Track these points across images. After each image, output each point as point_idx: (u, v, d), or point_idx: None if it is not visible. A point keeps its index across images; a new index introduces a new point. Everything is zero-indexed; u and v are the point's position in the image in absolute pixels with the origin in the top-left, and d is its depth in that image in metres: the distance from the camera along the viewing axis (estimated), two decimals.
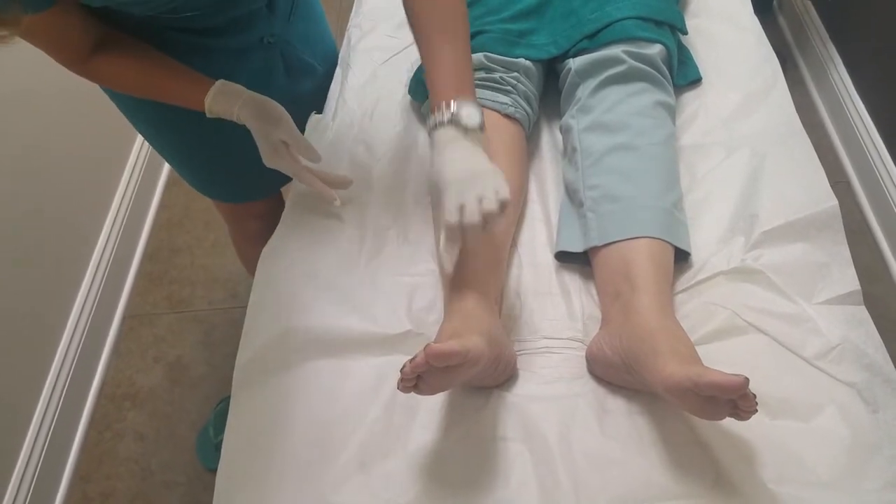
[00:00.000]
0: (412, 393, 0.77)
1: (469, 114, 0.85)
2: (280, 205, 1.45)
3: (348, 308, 0.98)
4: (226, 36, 1.05)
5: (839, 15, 2.00)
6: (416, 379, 0.76)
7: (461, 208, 0.80)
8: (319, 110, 1.26)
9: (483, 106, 1.05)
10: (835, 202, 0.96)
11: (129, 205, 2.03)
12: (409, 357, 0.92)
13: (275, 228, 1.45)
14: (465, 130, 0.85)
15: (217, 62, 1.04)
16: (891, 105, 1.78)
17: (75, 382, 1.71)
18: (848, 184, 1.90)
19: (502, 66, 1.10)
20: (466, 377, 0.80)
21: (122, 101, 1.14)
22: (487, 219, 0.80)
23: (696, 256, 0.98)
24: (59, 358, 1.68)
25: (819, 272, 0.93)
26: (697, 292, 0.95)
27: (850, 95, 1.93)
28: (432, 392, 0.79)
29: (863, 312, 0.91)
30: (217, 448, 1.63)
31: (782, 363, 0.87)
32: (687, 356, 0.79)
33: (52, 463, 1.61)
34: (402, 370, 0.76)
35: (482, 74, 1.09)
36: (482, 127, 0.86)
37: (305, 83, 1.23)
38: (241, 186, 1.30)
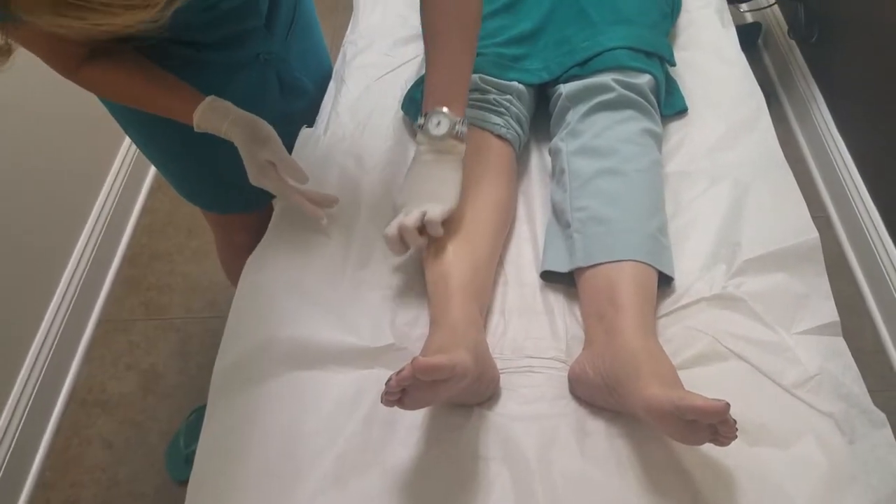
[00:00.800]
0: (395, 407, 0.77)
1: (437, 122, 0.94)
2: (269, 218, 1.44)
3: (331, 319, 0.97)
4: (222, 51, 1.05)
5: (821, 55, 2.05)
6: (401, 393, 0.76)
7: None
8: (310, 126, 1.26)
9: (476, 126, 1.08)
10: (816, 234, 0.98)
11: (112, 207, 2.01)
12: (392, 371, 0.93)
13: None
14: (431, 138, 0.94)
15: (212, 76, 1.04)
16: (870, 143, 1.82)
17: (45, 385, 1.68)
18: (827, 218, 1.94)
19: (496, 89, 1.11)
20: (451, 393, 0.80)
21: (114, 107, 1.14)
22: (428, 227, 0.92)
23: (680, 282, 0.98)
24: (31, 359, 1.65)
25: (799, 302, 0.94)
26: (680, 317, 0.96)
27: (830, 133, 1.97)
28: (416, 407, 0.79)
29: (841, 343, 0.92)
30: (187, 460, 1.61)
31: (761, 391, 0.88)
32: (668, 379, 0.79)
33: (15, 467, 1.57)
34: (387, 383, 0.75)
35: (476, 95, 1.11)
36: (454, 136, 0.94)
37: (298, 102, 1.24)
38: (231, 197, 1.30)
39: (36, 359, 1.66)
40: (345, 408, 0.90)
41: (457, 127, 0.94)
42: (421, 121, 0.95)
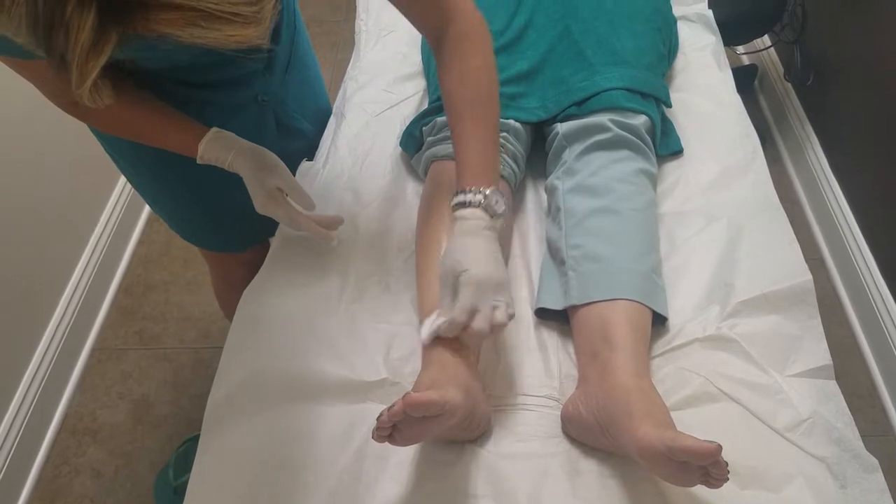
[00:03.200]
0: (386, 443, 0.77)
1: (498, 201, 0.89)
2: (266, 254, 1.45)
3: (326, 353, 0.97)
4: (221, 91, 1.06)
5: (817, 98, 2.08)
6: (392, 428, 0.76)
7: (473, 312, 0.83)
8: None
9: None
10: (809, 277, 0.98)
11: (109, 237, 2.02)
12: (384, 405, 0.92)
13: None
14: (493, 216, 0.88)
15: (210, 116, 1.04)
16: (864, 185, 1.84)
17: (37, 412, 1.67)
18: (821, 260, 1.95)
19: None
20: (442, 429, 0.80)
21: (109, 144, 1.14)
22: (494, 329, 0.84)
23: (673, 321, 0.99)
24: (24, 386, 1.64)
25: (792, 345, 0.95)
26: (673, 357, 0.96)
27: (825, 175, 1.99)
28: (406, 443, 0.79)
29: (833, 387, 0.92)
30: (176, 491, 1.59)
31: (753, 433, 0.88)
32: (661, 420, 0.79)
33: (4, 496, 1.55)
34: (378, 419, 0.75)
35: None
36: (504, 215, 0.90)
37: (296, 142, 1.24)
38: (229, 236, 1.30)
39: (29, 386, 1.65)
40: (337, 442, 0.90)
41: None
42: (469, 196, 0.88)
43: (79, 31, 0.56)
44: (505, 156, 1.12)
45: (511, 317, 0.85)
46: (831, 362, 0.93)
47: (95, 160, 1.16)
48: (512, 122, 1.14)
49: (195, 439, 1.65)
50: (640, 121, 1.12)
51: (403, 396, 0.74)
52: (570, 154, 1.11)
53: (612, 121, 1.10)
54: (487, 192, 0.88)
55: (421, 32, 0.99)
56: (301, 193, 1.01)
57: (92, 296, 1.92)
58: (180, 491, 1.59)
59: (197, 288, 2.02)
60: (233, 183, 1.01)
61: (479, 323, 0.83)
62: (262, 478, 0.88)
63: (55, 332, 1.76)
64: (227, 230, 1.28)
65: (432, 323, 0.87)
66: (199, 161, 0.99)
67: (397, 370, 0.97)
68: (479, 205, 0.88)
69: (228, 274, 1.42)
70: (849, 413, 0.90)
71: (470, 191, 0.89)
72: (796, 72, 2.01)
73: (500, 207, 0.89)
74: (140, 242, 2.17)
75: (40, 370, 1.69)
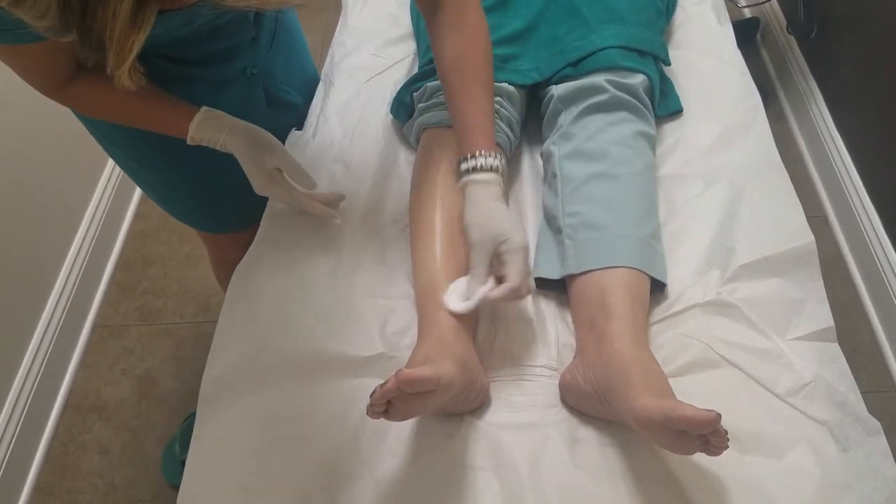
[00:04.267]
0: (382, 419, 0.76)
1: (504, 164, 0.91)
2: None
3: (321, 329, 0.96)
4: (209, 66, 1.03)
5: (820, 51, 2.03)
6: (386, 405, 0.75)
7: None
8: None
9: None
10: (811, 238, 0.96)
11: (104, 212, 2.00)
12: (382, 380, 0.92)
13: None
14: (505, 175, 0.91)
15: (199, 92, 1.02)
16: (868, 141, 1.80)
17: (41, 391, 1.67)
18: (825, 218, 1.92)
19: None
20: (438, 404, 0.79)
21: (95, 128, 1.11)
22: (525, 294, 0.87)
23: (673, 288, 0.97)
24: (26, 365, 1.64)
25: (793, 308, 0.93)
26: (672, 324, 0.94)
27: (829, 131, 1.95)
28: (402, 418, 0.78)
29: (836, 349, 0.91)
30: (183, 465, 1.59)
31: (754, 399, 0.87)
32: (659, 389, 0.78)
33: (13, 474, 1.57)
34: (371, 395, 0.74)
35: None
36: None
37: (286, 115, 1.22)
38: (224, 216, 1.28)
39: (31, 365, 1.65)
40: (334, 418, 0.89)
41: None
42: (489, 160, 0.89)
43: (117, 6, 0.53)
44: (499, 121, 1.09)
45: (532, 291, 0.89)
46: (833, 325, 0.92)
47: (86, 135, 1.13)
48: (505, 85, 1.11)
49: None
50: (637, 80, 1.09)
51: (396, 373, 0.73)
52: (565, 118, 1.08)
53: (609, 81, 1.06)
54: (497, 154, 0.89)
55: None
56: (301, 172, 0.99)
57: (90, 272, 1.91)
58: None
59: (195, 262, 2.01)
60: (226, 163, 0.99)
61: (525, 288, 0.86)
62: (259, 456, 0.87)
63: (55, 309, 1.75)
64: (223, 211, 1.26)
65: (467, 291, 0.88)
66: (189, 142, 0.96)
67: (394, 344, 0.95)
68: (497, 169, 0.89)
69: (225, 254, 1.40)
70: (851, 376, 0.88)
71: (484, 154, 0.89)
72: (799, 24, 1.96)
73: (505, 171, 0.92)
74: (136, 217, 2.15)
75: (41, 349, 1.69)
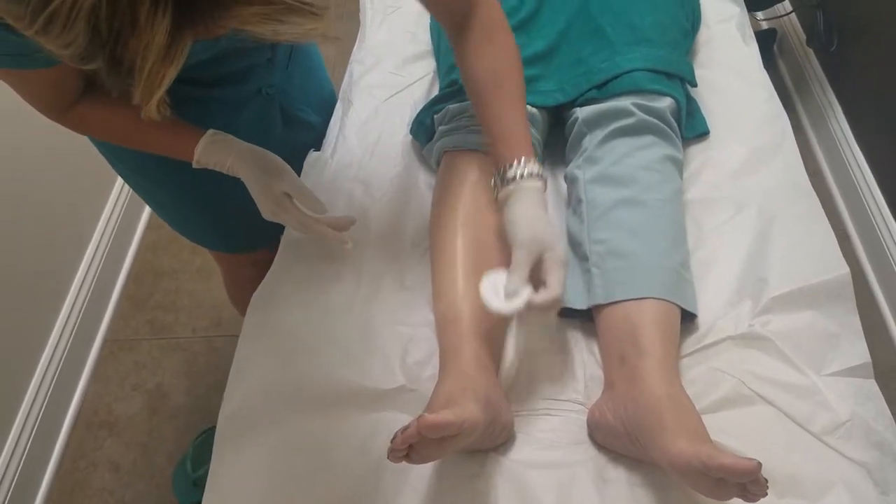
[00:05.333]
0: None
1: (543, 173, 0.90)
2: (276, 250, 1.41)
3: (340, 359, 0.94)
4: (224, 87, 1.01)
5: (839, 63, 2.00)
6: (408, 449, 0.73)
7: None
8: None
9: (486, 153, 1.03)
10: (847, 270, 0.94)
11: (116, 224, 1.98)
12: (403, 414, 0.90)
13: None
14: (545, 184, 0.89)
15: (214, 113, 1.00)
16: (889, 155, 1.77)
17: (52, 407, 1.66)
18: (845, 232, 1.89)
19: None
20: (461, 447, 0.77)
21: (104, 148, 1.09)
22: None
23: (703, 318, 0.95)
24: (37, 380, 1.63)
25: (828, 342, 0.90)
26: (704, 357, 0.92)
27: (848, 144, 1.92)
28: (424, 462, 0.76)
29: (872, 386, 0.88)
30: (195, 483, 1.58)
31: (790, 438, 0.84)
32: (695, 432, 0.76)
33: (23, 491, 1.55)
34: (392, 440, 0.72)
35: None
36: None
37: (303, 134, 1.19)
38: (237, 236, 1.25)
39: (42, 380, 1.64)
40: (355, 453, 0.87)
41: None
42: (532, 167, 0.87)
43: (152, 36, 0.51)
44: None
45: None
46: (870, 360, 0.89)
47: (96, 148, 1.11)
48: (528, 108, 1.08)
49: (212, 430, 1.64)
50: (664, 104, 1.06)
51: (418, 418, 0.71)
52: (590, 141, 1.06)
53: (636, 105, 1.04)
54: (536, 162, 0.88)
55: (442, 19, 0.94)
56: (310, 197, 0.96)
57: (101, 285, 1.89)
58: (199, 483, 1.59)
59: (207, 275, 1.99)
60: (236, 184, 0.96)
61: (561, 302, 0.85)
62: (277, 491, 0.85)
63: (66, 324, 1.74)
64: (234, 231, 1.23)
65: (510, 288, 0.84)
66: (195, 165, 0.94)
67: (415, 376, 0.93)
68: (541, 176, 0.88)
69: (238, 273, 1.38)
70: (889, 414, 0.86)
71: (528, 162, 0.88)
72: (819, 37, 1.93)
73: (544, 178, 0.91)
74: (148, 227, 2.13)
75: (52, 364, 1.67)
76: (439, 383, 0.84)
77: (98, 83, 0.89)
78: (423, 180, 1.16)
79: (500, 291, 0.85)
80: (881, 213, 1.76)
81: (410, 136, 1.21)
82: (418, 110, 1.24)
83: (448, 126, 1.08)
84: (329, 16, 0.60)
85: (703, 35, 1.30)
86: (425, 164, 1.18)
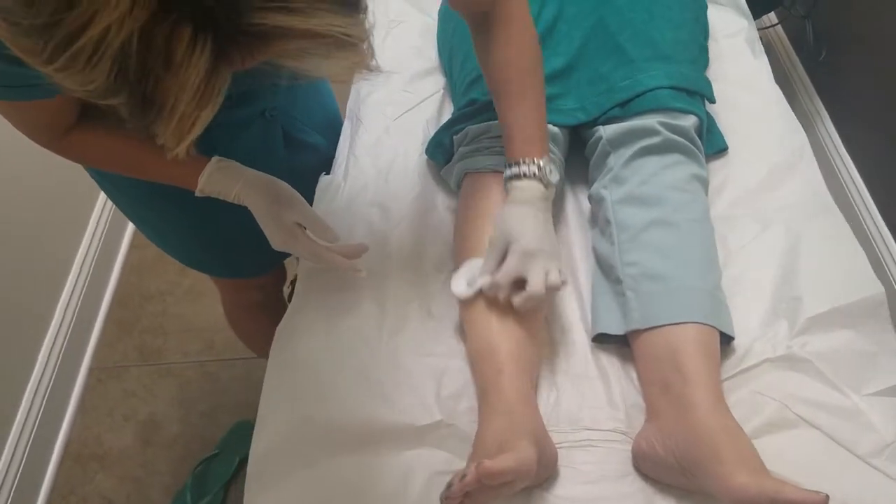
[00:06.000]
0: None
1: (552, 171, 0.92)
2: (282, 272, 1.36)
3: (372, 394, 0.90)
4: (227, 109, 0.95)
5: (827, 72, 2.02)
6: (463, 496, 0.70)
7: (517, 279, 0.86)
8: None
9: None
10: (881, 289, 0.93)
11: (98, 244, 1.91)
12: (440, 450, 0.87)
13: (275, 298, 1.37)
14: (547, 186, 0.91)
15: (215, 137, 0.92)
16: (878, 161, 1.79)
17: (39, 440, 1.58)
18: None
19: None
20: (516, 490, 0.75)
21: (101, 175, 1.04)
22: (549, 291, 0.86)
23: (739, 340, 0.93)
24: (23, 413, 1.56)
25: (867, 362, 0.90)
26: (744, 380, 0.90)
27: (837, 151, 1.94)
28: None
29: None
30: None
31: (836, 461, 0.83)
32: (754, 465, 0.74)
33: None
34: (449, 488, 0.70)
35: None
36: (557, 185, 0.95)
37: (307, 157, 1.15)
38: (241, 263, 1.20)
39: (28, 412, 1.56)
40: (393, 495, 0.83)
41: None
42: (524, 168, 0.90)
43: (188, 76, 0.46)
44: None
45: (564, 283, 0.87)
46: None
47: (79, 166, 1.05)
48: (551, 127, 1.06)
49: (211, 459, 1.59)
50: (689, 122, 1.05)
51: (477, 466, 0.69)
52: (615, 160, 1.04)
53: (661, 123, 1.02)
54: (541, 162, 0.90)
55: (465, 11, 0.93)
56: (322, 226, 0.92)
57: (85, 310, 1.82)
58: None
59: (196, 297, 1.93)
60: (241, 210, 0.92)
61: (535, 286, 0.84)
62: None
63: (50, 352, 1.66)
64: (237, 258, 1.18)
65: (475, 278, 0.90)
66: (198, 194, 0.89)
67: (450, 410, 0.90)
68: (534, 176, 0.89)
69: (240, 298, 1.33)
70: None
71: (524, 162, 0.90)
72: (808, 47, 1.95)
73: (555, 177, 0.93)
74: (132, 247, 2.06)
75: (38, 395, 1.60)
76: (485, 423, 0.81)
77: (95, 107, 0.84)
78: (442, 202, 1.13)
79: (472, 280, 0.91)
80: (874, 221, 1.78)
81: (425, 157, 1.17)
82: (432, 129, 1.21)
83: (469, 147, 1.06)
84: (369, 47, 0.57)
85: (713, 50, 1.29)
86: (443, 186, 1.15)
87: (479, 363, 0.88)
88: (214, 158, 0.88)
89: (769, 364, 0.91)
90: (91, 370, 1.80)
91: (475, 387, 0.89)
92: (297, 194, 0.92)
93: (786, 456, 0.82)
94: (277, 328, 0.98)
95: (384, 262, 1.04)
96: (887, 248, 1.72)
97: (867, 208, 1.80)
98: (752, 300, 0.97)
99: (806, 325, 0.92)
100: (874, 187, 1.81)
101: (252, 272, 1.24)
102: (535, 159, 0.89)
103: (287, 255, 1.23)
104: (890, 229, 1.74)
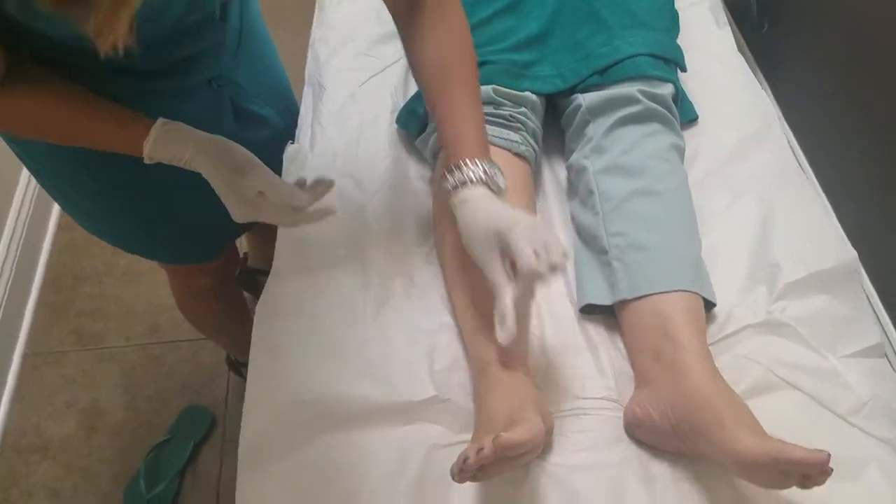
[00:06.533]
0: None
1: (498, 174, 0.81)
2: (234, 254, 1.29)
3: (361, 372, 0.88)
4: (170, 78, 0.88)
5: (769, 45, 2.07)
6: (477, 469, 0.69)
7: (535, 253, 0.73)
8: (277, 159, 1.10)
9: (493, 144, 0.99)
10: (854, 254, 0.97)
11: (25, 223, 1.78)
12: (437, 425, 0.86)
13: (227, 282, 1.30)
14: (498, 191, 0.80)
15: (160, 105, 0.85)
16: (820, 135, 1.86)
17: None
18: None
19: (510, 101, 1.03)
20: (527, 461, 0.74)
21: (28, 152, 0.94)
22: (554, 270, 0.74)
23: (719, 307, 0.95)
24: None
25: (842, 325, 0.93)
26: (727, 346, 0.92)
27: (778, 123, 1.99)
28: (488, 478, 0.73)
29: (885, 366, 0.92)
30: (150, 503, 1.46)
31: (820, 421, 0.86)
32: (754, 427, 0.76)
33: None
34: (464, 462, 0.68)
35: (490, 110, 1.01)
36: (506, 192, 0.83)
37: (257, 131, 1.06)
38: (189, 246, 1.11)
39: None
40: (391, 472, 0.82)
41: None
42: (468, 173, 0.79)
43: None
44: (525, 134, 1.03)
45: (566, 255, 0.76)
46: (882, 340, 0.92)
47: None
48: (529, 95, 1.04)
49: (163, 445, 1.53)
50: (667, 90, 1.05)
51: (494, 439, 0.68)
52: (595, 129, 1.03)
53: (641, 92, 1.02)
54: (485, 165, 0.80)
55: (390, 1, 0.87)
56: (284, 191, 0.84)
57: (15, 294, 1.70)
58: (155, 502, 1.47)
59: (135, 277, 1.82)
60: (187, 184, 0.84)
61: (543, 265, 0.73)
62: None
63: None
64: (186, 240, 1.09)
65: (507, 307, 0.75)
66: (147, 160, 0.80)
67: (444, 384, 0.88)
68: (483, 181, 0.79)
69: (190, 284, 1.24)
70: None
71: (467, 165, 0.79)
72: (752, 20, 1.99)
73: (502, 182, 0.81)
74: (60, 228, 1.93)
75: None
76: (489, 397, 0.80)
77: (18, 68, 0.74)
78: (415, 172, 1.11)
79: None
80: (816, 192, 1.84)
81: (395, 125, 1.14)
82: (400, 97, 1.18)
83: None
84: None
85: None
86: (415, 156, 1.12)
87: (473, 337, 0.87)
88: (160, 121, 0.80)
89: (751, 329, 0.93)
90: (26, 356, 1.68)
91: (470, 361, 0.88)
92: (254, 158, 0.84)
93: (773, 418, 0.84)
94: (257, 309, 0.93)
95: (362, 236, 1.01)
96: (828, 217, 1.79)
97: (809, 180, 1.87)
98: (730, 268, 0.99)
99: (785, 291, 0.95)
100: (814, 159, 1.88)
101: (200, 257, 1.16)
102: (479, 161, 0.80)
103: (239, 234, 1.17)
104: (829, 199, 1.81)
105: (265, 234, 1.57)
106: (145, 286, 1.80)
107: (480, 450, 0.67)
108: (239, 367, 1.59)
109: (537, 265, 0.73)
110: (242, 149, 0.84)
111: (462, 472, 0.69)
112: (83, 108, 0.79)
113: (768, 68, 2.07)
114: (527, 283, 0.76)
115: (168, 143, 0.80)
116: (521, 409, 0.76)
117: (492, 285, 0.77)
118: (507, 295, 0.75)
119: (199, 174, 0.82)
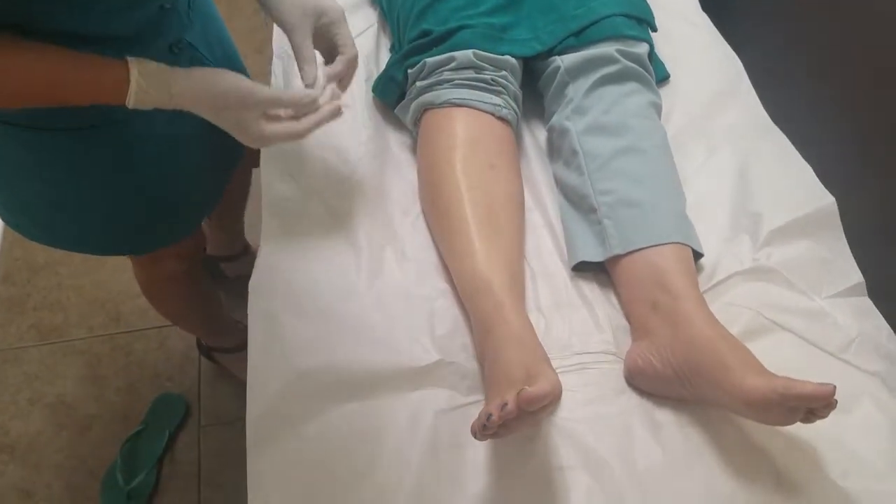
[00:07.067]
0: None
1: None
2: (201, 234, 1.23)
3: (364, 341, 0.87)
4: (133, 45, 0.80)
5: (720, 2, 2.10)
6: (499, 426, 0.70)
7: None
8: None
9: (476, 108, 0.99)
10: (832, 199, 1.00)
11: None
12: (445, 389, 0.86)
13: (195, 265, 1.24)
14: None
15: None
16: (774, 90, 1.90)
17: None
18: None
19: (491, 65, 1.02)
20: (546, 416, 0.75)
21: None
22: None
23: (706, 258, 0.97)
24: None
25: (825, 267, 0.97)
26: (717, 294, 0.95)
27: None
28: (508, 435, 0.73)
29: (868, 303, 0.96)
30: (129, 496, 1.42)
31: (812, 360, 0.89)
32: (757, 366, 0.78)
33: None
34: (488, 419, 0.69)
35: (471, 74, 1.01)
36: None
37: None
38: (155, 233, 1.05)
39: None
40: (404, 438, 0.82)
41: None
42: None
43: None
44: (507, 97, 1.02)
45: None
46: (863, 280, 0.96)
47: None
48: (509, 58, 1.04)
49: (138, 436, 1.48)
50: (643, 49, 1.06)
51: (518, 393, 0.68)
52: (575, 90, 1.04)
53: (619, 51, 1.03)
54: None
55: None
56: (291, 98, 0.83)
57: None
58: (134, 495, 1.43)
59: (94, 266, 1.75)
60: (156, 162, 0.81)
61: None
62: (327, 492, 0.78)
63: None
64: (150, 227, 1.03)
65: (317, 72, 0.87)
66: (131, 105, 0.75)
67: (447, 348, 0.88)
68: None
69: (157, 270, 1.18)
70: (888, 325, 0.94)
71: None
72: None
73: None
74: None
75: None
76: (502, 354, 0.80)
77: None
78: (396, 140, 1.09)
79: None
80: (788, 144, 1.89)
81: (371, 96, 1.12)
82: (373, 66, 1.16)
83: (428, 81, 1.02)
84: None
85: None
86: (394, 125, 1.11)
87: (475, 297, 0.87)
88: (134, 59, 0.74)
89: (739, 277, 0.95)
90: None
91: (473, 323, 0.88)
92: (245, 82, 0.79)
93: (765, 359, 0.87)
94: (250, 285, 0.91)
95: (349, 207, 0.99)
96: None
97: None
98: (713, 219, 1.01)
99: (768, 238, 0.98)
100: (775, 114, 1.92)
101: (165, 241, 1.08)
102: None
103: (208, 211, 1.12)
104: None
105: (220, 222, 1.53)
106: (105, 274, 1.74)
107: (504, 405, 0.68)
108: (210, 351, 1.55)
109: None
110: (228, 76, 0.79)
111: (485, 428, 0.69)
112: (47, 52, 0.72)
113: (725, 30, 2.10)
114: (348, 66, 0.89)
115: (151, 81, 0.75)
116: (536, 364, 0.76)
117: (300, 54, 0.86)
118: (316, 66, 0.86)
119: (165, 146, 0.80)
